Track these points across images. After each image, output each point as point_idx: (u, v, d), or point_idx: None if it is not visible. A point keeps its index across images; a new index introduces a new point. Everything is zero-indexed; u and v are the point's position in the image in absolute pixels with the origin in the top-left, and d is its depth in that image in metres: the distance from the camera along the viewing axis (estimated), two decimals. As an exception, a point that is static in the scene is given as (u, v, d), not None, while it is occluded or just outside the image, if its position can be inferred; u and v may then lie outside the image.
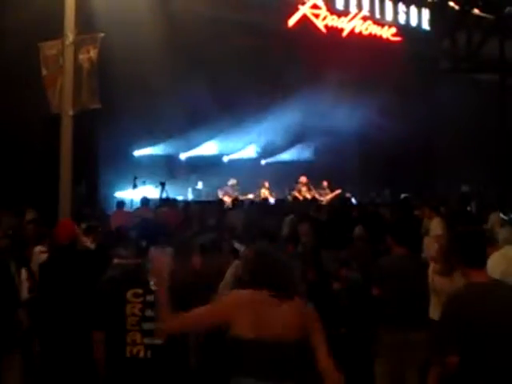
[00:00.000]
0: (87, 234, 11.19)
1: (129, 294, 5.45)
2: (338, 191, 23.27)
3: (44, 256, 9.54)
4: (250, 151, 26.48)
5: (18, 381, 7.77)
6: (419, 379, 8.19)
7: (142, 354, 5.39)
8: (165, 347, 5.36)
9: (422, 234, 13.55)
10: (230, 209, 18.91)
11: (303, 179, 23.45)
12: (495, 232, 10.04)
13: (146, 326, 5.40)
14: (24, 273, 9.10)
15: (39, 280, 8.56)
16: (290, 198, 22.54)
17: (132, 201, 20.09)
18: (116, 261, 6.94)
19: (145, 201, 18.10)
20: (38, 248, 10.37)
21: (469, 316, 5.13)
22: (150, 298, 5.43)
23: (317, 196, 22.83)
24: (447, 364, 5.18)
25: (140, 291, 5.47)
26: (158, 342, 5.37)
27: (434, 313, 8.09)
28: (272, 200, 21.81)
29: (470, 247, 5.42)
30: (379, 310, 8.50)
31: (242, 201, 20.03)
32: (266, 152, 26.54)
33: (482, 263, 5.41)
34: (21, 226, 13.56)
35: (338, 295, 9.55)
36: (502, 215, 14.42)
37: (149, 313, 5.42)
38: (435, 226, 13.62)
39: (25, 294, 8.73)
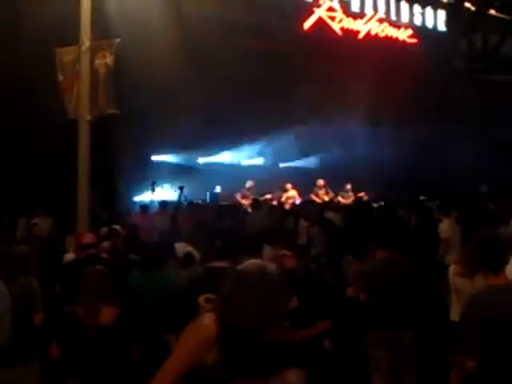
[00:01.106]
0: (108, 238, 11.22)
1: (201, 299, 5.41)
2: (362, 194, 23.17)
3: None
4: (261, 160, 26.60)
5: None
6: (417, 379, 8.27)
7: None
8: None
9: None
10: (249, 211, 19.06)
11: (321, 182, 23.41)
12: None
13: None
14: None
15: (62, 282, 8.57)
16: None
17: (152, 202, 20.30)
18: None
19: (163, 204, 18.21)
20: (70, 255, 10.43)
21: (489, 318, 5.13)
22: None
23: (340, 199, 22.79)
24: (465, 367, 5.17)
25: (212, 296, 5.42)
26: None
27: (455, 314, 8.08)
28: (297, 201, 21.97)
29: (486, 251, 5.41)
30: (367, 313, 8.51)
31: (261, 202, 19.99)
32: (280, 160, 26.63)
33: (498, 268, 5.39)
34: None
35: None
36: None
37: None
38: (441, 229, 13.61)
39: None
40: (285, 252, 7.72)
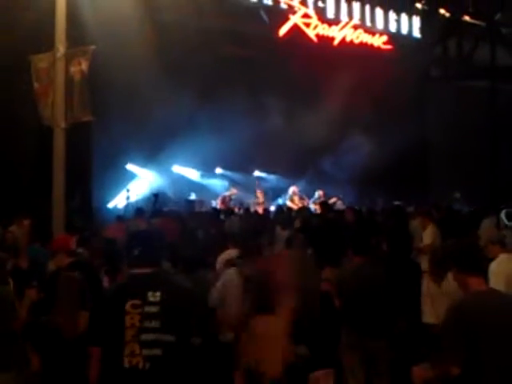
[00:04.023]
0: (81, 245, 11.17)
1: (128, 305, 5.39)
2: (334, 200, 23.14)
3: None
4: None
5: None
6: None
7: (140, 365, 5.31)
8: (163, 358, 5.31)
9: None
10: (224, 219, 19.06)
11: (294, 189, 23.46)
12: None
13: (144, 337, 5.35)
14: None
15: (45, 291, 8.53)
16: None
17: (127, 207, 20.34)
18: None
19: (139, 212, 18.15)
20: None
21: (474, 324, 5.16)
22: (148, 308, 5.37)
23: (312, 206, 22.69)
24: (448, 374, 5.17)
25: (138, 302, 5.40)
26: (157, 353, 5.33)
27: (430, 317, 8.19)
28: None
29: (468, 255, 5.49)
30: (341, 319, 8.57)
31: (233, 211, 19.98)
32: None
33: (480, 270, 5.48)
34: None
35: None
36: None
37: (147, 324, 5.37)
38: (426, 235, 13.58)
39: None
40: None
